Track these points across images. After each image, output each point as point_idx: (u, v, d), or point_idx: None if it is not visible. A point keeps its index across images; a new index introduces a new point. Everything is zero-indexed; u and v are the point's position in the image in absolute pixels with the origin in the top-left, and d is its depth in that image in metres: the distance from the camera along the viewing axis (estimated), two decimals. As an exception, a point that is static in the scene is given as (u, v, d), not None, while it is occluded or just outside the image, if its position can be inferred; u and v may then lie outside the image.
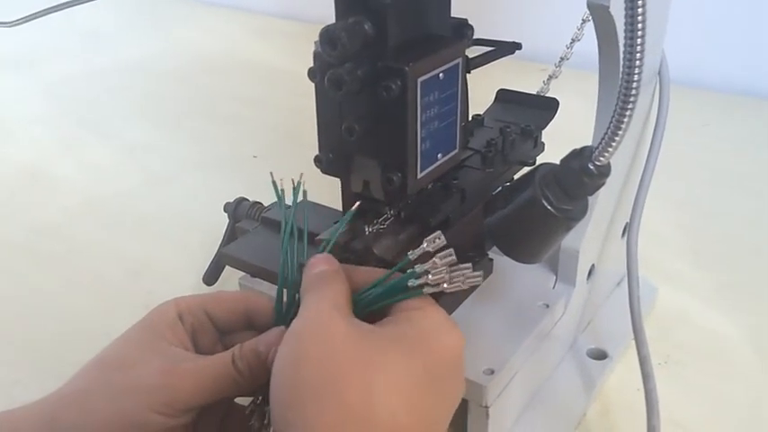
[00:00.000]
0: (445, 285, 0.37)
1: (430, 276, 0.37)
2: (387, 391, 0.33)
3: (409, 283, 0.37)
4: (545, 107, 0.60)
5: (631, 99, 0.34)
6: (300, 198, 0.45)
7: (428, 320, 0.37)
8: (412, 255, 0.38)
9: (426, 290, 0.37)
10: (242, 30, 1.47)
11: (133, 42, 1.44)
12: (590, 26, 0.47)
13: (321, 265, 0.39)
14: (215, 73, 1.29)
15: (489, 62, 0.53)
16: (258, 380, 0.38)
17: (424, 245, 0.38)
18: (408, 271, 0.38)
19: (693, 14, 1.08)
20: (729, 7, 1.10)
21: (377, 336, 0.36)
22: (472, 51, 0.52)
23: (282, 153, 0.94)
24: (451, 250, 0.37)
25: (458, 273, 0.37)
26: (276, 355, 0.35)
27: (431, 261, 0.37)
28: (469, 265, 0.38)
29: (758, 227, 0.78)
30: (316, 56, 0.42)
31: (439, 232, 0.38)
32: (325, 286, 0.38)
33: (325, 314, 0.36)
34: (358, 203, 0.43)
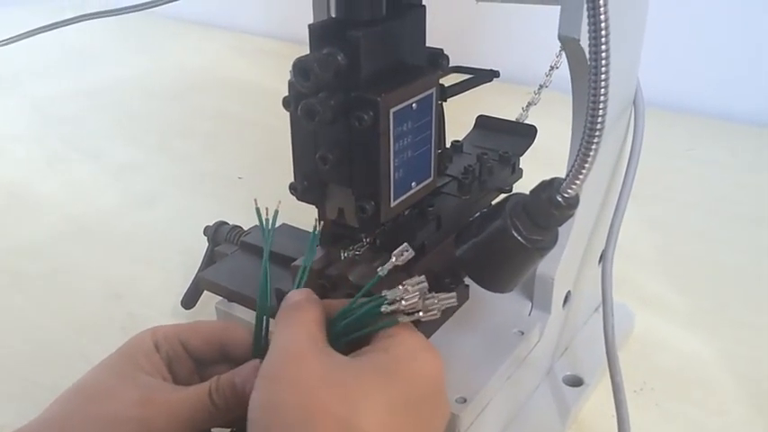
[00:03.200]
0: (420, 314, 0.37)
1: (403, 303, 0.37)
2: (366, 425, 0.33)
3: (382, 309, 0.37)
4: (524, 134, 0.61)
5: (596, 134, 0.35)
6: (279, 223, 0.45)
7: (404, 347, 0.37)
8: (382, 271, 0.39)
9: (402, 319, 0.37)
10: (226, 49, 1.48)
11: (118, 62, 1.44)
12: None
13: (295, 296, 0.40)
14: (199, 92, 1.29)
15: (466, 90, 0.53)
16: (233, 412, 0.38)
17: (393, 259, 0.39)
18: (379, 296, 0.38)
19: (680, 41, 1.10)
20: (716, 34, 1.12)
21: (353, 368, 0.35)
22: (452, 79, 0.53)
23: (266, 173, 0.94)
24: (423, 277, 0.37)
25: (431, 299, 0.37)
26: (251, 397, 0.35)
27: (402, 288, 0.37)
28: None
29: (738, 252, 0.79)
30: (290, 85, 0.42)
31: (405, 244, 0.39)
32: (298, 315, 0.38)
33: (298, 349, 0.35)
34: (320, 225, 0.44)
